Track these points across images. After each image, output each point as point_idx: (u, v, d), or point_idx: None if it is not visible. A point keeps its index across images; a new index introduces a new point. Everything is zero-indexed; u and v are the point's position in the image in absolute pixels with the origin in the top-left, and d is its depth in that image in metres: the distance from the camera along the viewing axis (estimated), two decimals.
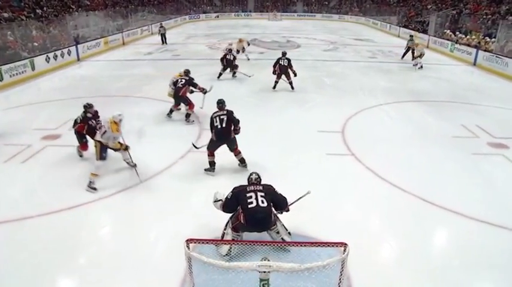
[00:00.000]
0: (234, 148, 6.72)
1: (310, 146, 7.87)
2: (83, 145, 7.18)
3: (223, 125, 6.51)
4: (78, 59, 17.19)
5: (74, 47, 17.23)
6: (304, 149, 7.73)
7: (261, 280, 2.97)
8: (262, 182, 4.74)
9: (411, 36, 19.15)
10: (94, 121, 6.86)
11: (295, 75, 12.00)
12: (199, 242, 3.30)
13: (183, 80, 9.06)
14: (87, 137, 7.04)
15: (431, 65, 17.08)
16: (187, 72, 9.43)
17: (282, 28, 32.65)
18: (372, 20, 36.11)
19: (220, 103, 6.73)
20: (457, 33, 21.79)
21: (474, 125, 9.28)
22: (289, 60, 11.85)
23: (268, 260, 2.98)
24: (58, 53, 15.88)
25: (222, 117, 6.54)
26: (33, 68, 14.06)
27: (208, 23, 38.14)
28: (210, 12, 42.91)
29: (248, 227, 4.41)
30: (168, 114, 9.48)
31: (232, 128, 6.56)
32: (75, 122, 7.02)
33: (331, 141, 8.18)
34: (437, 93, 12.36)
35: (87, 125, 6.86)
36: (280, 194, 4.61)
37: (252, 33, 28.21)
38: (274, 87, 12.27)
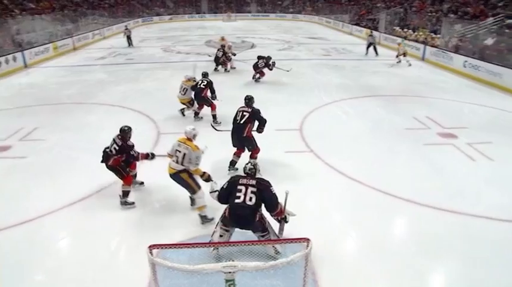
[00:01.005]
0: (250, 148, 6.72)
1: (269, 145, 7.87)
2: (128, 178, 5.77)
3: (241, 122, 6.54)
4: (26, 66, 16.38)
5: (20, 53, 16.40)
6: (263, 148, 7.73)
7: (227, 280, 2.97)
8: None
9: (371, 32, 20.42)
10: (135, 151, 5.71)
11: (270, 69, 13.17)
12: (162, 248, 3.24)
13: (205, 81, 9.26)
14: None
15: (382, 61, 17.68)
16: (206, 74, 9.64)
17: (236, 29, 32.69)
18: (325, 19, 36.84)
19: (247, 99, 6.72)
20: (406, 30, 22.69)
21: (425, 117, 9.70)
22: (266, 64, 13.11)
23: (233, 261, 2.97)
24: (2, 59, 15.00)
25: (244, 113, 6.58)
26: None
27: (162, 25, 37.54)
28: (163, 15, 42.24)
29: (230, 222, 4.32)
30: (195, 117, 9.66)
31: (254, 128, 6.62)
32: (106, 154, 5.64)
33: (290, 140, 8.28)
34: (389, 88, 12.81)
35: (125, 156, 5.67)
36: (274, 193, 4.32)
37: (207, 34, 28.05)
38: (253, 77, 13.53)
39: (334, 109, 10.62)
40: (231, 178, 4.50)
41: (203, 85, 9.19)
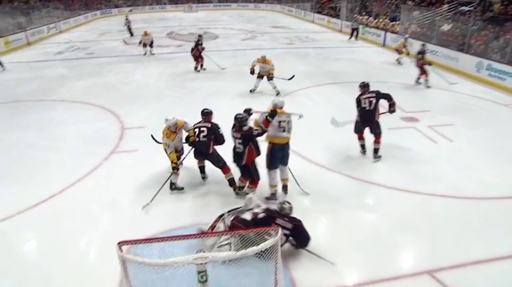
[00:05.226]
0: (378, 132, 6.80)
1: None
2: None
3: (371, 108, 6.63)
4: None
5: None
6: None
7: (199, 272, 2.96)
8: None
9: (354, 17, 21.86)
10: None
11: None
12: (132, 243, 3.20)
13: (205, 128, 5.78)
14: None
15: (345, 48, 17.97)
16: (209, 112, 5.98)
17: (198, 20, 32.26)
18: (287, 7, 36.94)
19: (366, 86, 6.84)
20: (367, 17, 23.10)
21: (387, 102, 9.91)
22: (421, 52, 11.46)
23: (204, 252, 2.98)
24: None
25: (370, 99, 6.64)
26: None
27: (122, 18, 36.24)
28: (123, 7, 41.02)
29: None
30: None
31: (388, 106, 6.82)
32: (236, 154, 5.47)
33: None
34: (352, 74, 13.00)
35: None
36: (305, 232, 4.49)
37: (169, 26, 27.54)
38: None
39: (300, 97, 10.71)
40: (268, 211, 4.54)
41: (204, 136, 5.75)
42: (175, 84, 12.07)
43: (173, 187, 5.89)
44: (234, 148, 5.45)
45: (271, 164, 5.53)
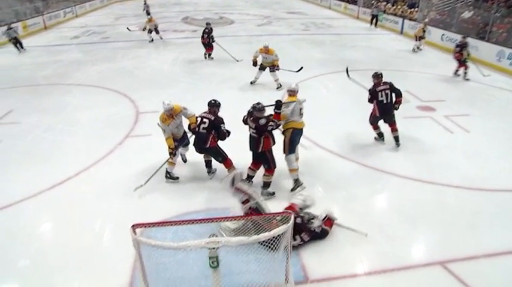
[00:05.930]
0: (392, 121, 6.84)
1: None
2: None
3: (388, 100, 6.65)
4: None
5: None
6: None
7: (210, 257, 2.97)
8: None
9: (373, 3, 21.34)
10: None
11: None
12: (146, 226, 3.24)
13: (206, 121, 5.56)
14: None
15: (362, 35, 17.68)
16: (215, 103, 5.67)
17: (213, 4, 32.01)
18: None
19: (380, 76, 6.78)
20: (384, 3, 22.65)
21: (404, 90, 9.68)
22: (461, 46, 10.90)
23: (216, 236, 3.00)
24: None
25: (386, 91, 6.63)
26: None
27: (137, 2, 36.14)
28: None
29: None
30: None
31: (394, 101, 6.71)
32: (252, 140, 5.43)
33: None
34: (368, 62, 12.84)
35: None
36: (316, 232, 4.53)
37: (184, 11, 27.44)
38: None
39: (314, 84, 10.63)
40: (302, 219, 4.50)
41: (204, 128, 5.55)
42: (190, 70, 12.09)
43: (168, 175, 5.88)
44: (250, 135, 5.44)
45: (292, 149, 5.61)
